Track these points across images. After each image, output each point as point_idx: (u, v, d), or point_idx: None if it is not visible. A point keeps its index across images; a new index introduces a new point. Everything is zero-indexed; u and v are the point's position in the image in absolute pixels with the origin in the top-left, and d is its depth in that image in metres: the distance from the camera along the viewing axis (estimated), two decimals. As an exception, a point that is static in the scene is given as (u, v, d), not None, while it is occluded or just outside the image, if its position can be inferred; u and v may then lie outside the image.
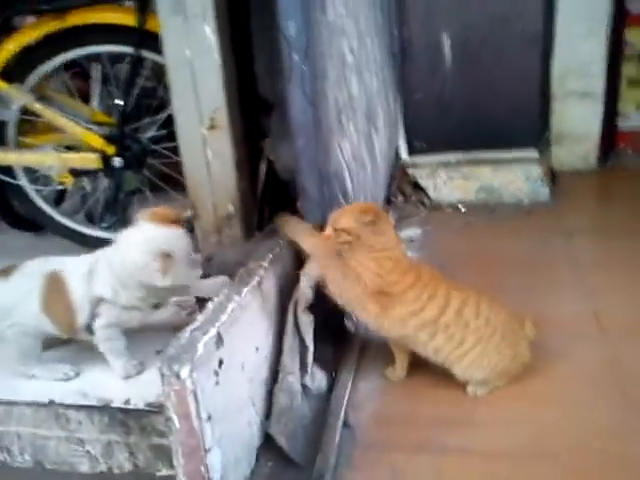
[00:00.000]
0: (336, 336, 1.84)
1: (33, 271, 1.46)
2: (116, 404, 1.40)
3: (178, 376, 1.12)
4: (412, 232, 2.62)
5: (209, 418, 1.17)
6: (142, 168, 2.02)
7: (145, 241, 1.35)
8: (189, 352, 1.15)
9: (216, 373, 1.21)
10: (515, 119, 2.81)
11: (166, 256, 1.33)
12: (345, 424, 1.52)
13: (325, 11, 1.60)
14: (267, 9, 1.44)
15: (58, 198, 2.46)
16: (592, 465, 1.33)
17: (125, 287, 1.39)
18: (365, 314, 1.56)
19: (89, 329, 1.44)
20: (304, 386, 1.59)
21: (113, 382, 1.49)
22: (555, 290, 2.07)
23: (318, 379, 1.64)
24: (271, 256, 1.55)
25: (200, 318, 1.26)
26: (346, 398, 1.60)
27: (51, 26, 1.83)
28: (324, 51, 1.57)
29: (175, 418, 1.15)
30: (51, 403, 1.43)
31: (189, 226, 1.46)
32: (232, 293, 1.36)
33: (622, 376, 1.58)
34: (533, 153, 2.85)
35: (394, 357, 1.67)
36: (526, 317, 1.61)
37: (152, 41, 1.73)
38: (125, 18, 1.78)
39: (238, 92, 1.67)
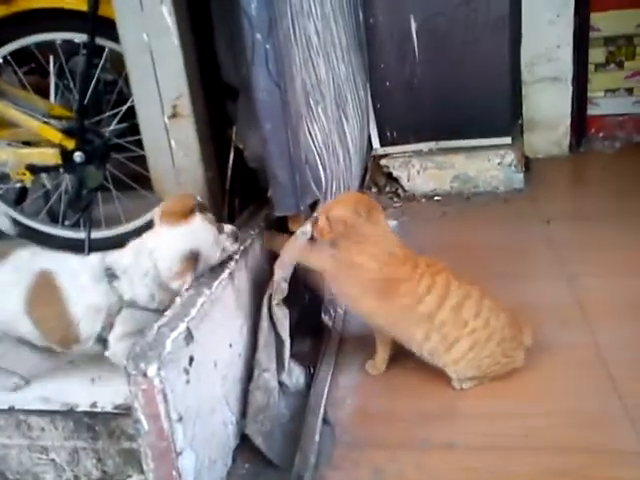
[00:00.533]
0: (313, 331, 1.78)
1: (22, 264, 1.34)
2: (82, 408, 1.32)
3: (145, 374, 1.04)
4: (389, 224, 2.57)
5: (180, 419, 1.10)
6: (105, 163, 1.93)
7: (172, 241, 1.30)
8: (156, 349, 1.07)
9: (186, 371, 1.14)
10: (486, 106, 2.79)
11: (193, 257, 1.29)
12: (325, 421, 1.46)
13: (289, -10, 1.53)
14: (227, -12, 1.36)
15: (19, 197, 2.36)
16: (577, 458, 1.28)
17: (161, 290, 1.31)
18: (364, 308, 1.52)
19: (101, 340, 1.33)
20: (281, 383, 1.53)
21: (77, 386, 1.41)
22: (535, 276, 2.05)
23: (296, 375, 1.58)
24: (242, 248, 1.48)
25: (168, 313, 1.19)
26: (325, 394, 1.54)
27: (-3, 11, 1.72)
28: (288, 31, 1.51)
29: (143, 419, 1.07)
30: (11, 409, 1.34)
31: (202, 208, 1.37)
32: (202, 287, 1.29)
33: (608, 361, 1.55)
34: (506, 140, 2.83)
35: (374, 350, 1.62)
36: (527, 324, 1.56)
37: (107, 28, 1.64)
38: (75, 3, 1.68)
39: (201, 78, 1.59)
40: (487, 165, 2.80)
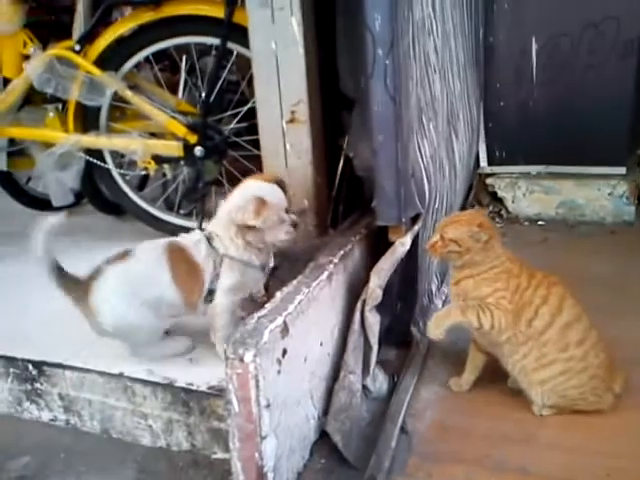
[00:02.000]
0: (401, 340, 1.81)
1: (148, 247, 1.53)
2: (179, 384, 1.43)
3: (242, 360, 1.12)
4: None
5: (268, 405, 1.18)
6: (222, 159, 2.07)
7: (244, 188, 1.52)
8: (254, 337, 1.15)
9: (279, 362, 1.21)
10: (602, 133, 2.68)
11: (260, 201, 1.44)
12: (402, 430, 1.49)
13: (412, 9, 1.57)
14: (353, 6, 1.43)
15: (141, 184, 2.57)
16: None
17: (228, 234, 1.49)
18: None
19: (210, 295, 1.49)
20: (365, 387, 1.57)
21: (178, 364, 1.52)
22: (635, 314, 1.95)
23: (379, 381, 1.62)
24: (342, 252, 1.54)
25: (268, 306, 1.27)
26: (406, 404, 1.57)
27: (145, 18, 1.90)
28: (409, 49, 1.55)
29: (235, 401, 1.16)
30: (120, 375, 1.48)
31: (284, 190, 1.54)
32: (301, 285, 1.36)
33: None
34: (620, 170, 2.70)
35: (460, 368, 1.62)
36: (620, 372, 1.51)
37: (239, 34, 1.77)
38: (215, 10, 1.83)
39: (320, 87, 1.68)
40: (597, 194, 2.69)
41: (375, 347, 1.54)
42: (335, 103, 1.73)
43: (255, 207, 1.44)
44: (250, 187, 1.51)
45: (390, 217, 1.57)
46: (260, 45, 1.63)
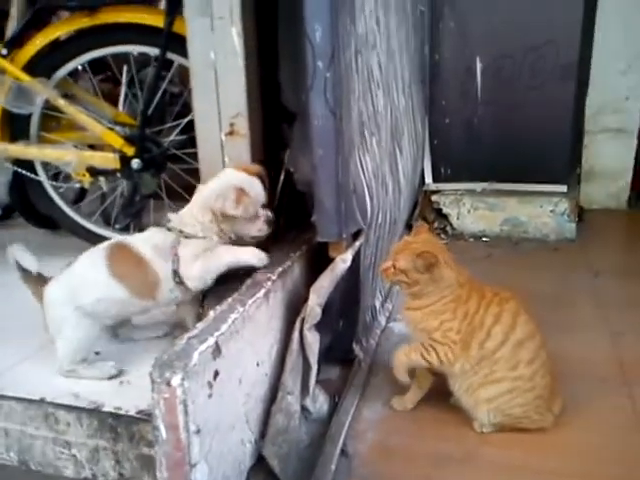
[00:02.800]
0: (343, 359, 1.77)
1: (93, 249, 1.50)
2: (107, 408, 1.35)
3: (169, 384, 1.06)
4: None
5: (198, 431, 1.11)
6: (160, 172, 2.00)
7: (225, 176, 1.52)
8: (182, 360, 1.09)
9: (210, 385, 1.15)
10: (544, 152, 2.75)
11: (241, 191, 1.44)
12: (343, 452, 1.44)
13: (355, 22, 1.56)
14: (295, 16, 1.40)
15: (77, 198, 2.46)
16: None
17: (201, 219, 1.47)
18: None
19: (176, 275, 1.45)
20: (304, 408, 1.52)
21: (107, 386, 1.44)
22: (578, 330, 1.98)
23: (320, 402, 1.57)
24: (281, 269, 1.49)
25: (199, 326, 1.21)
26: (347, 425, 1.53)
27: (81, 23, 1.83)
28: (351, 62, 1.53)
29: (162, 428, 1.09)
30: (42, 401, 1.38)
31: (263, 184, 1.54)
32: (236, 303, 1.30)
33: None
34: (561, 188, 2.77)
35: (404, 387, 1.59)
36: (559, 394, 1.51)
37: (179, 44, 1.71)
38: (154, 19, 1.77)
39: (260, 99, 1.64)
40: (539, 211, 2.75)
41: (314, 367, 1.49)
42: (276, 116, 1.69)
43: (236, 196, 1.44)
44: (232, 176, 1.51)
45: (330, 233, 1.53)
46: (199, 55, 1.58)
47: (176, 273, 1.45)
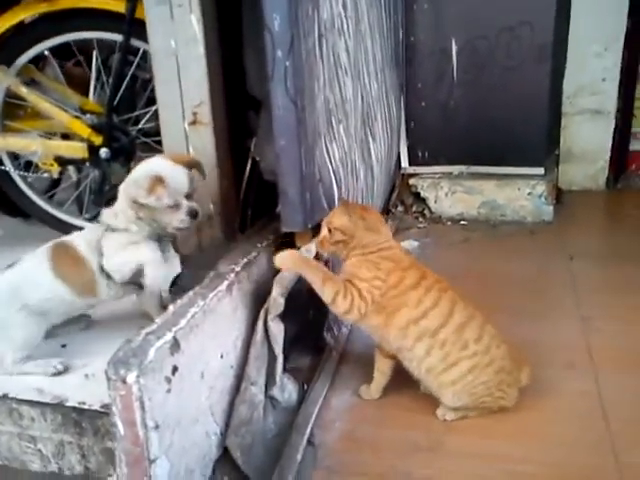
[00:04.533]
0: (314, 347, 1.77)
1: (36, 250, 1.49)
2: (71, 403, 1.34)
3: (124, 381, 1.05)
4: (409, 244, 2.55)
5: (156, 427, 1.11)
6: (130, 160, 1.97)
7: (146, 164, 1.47)
8: (138, 356, 1.08)
9: (168, 380, 1.14)
10: (522, 134, 2.74)
11: (157, 179, 1.40)
12: (309, 442, 1.45)
13: (318, 8, 1.53)
14: (255, 5, 1.37)
15: (51, 187, 2.43)
16: None
17: (121, 207, 1.45)
18: (371, 327, 1.49)
19: (102, 270, 1.45)
20: (272, 398, 1.52)
21: (72, 380, 1.43)
22: (549, 314, 1.99)
23: (288, 391, 1.58)
24: (245, 260, 1.49)
25: (158, 321, 1.20)
26: (314, 415, 1.53)
27: (40, 8, 1.78)
28: (314, 49, 1.51)
29: (120, 424, 1.09)
30: (4, 397, 1.38)
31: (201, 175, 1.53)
32: (197, 297, 1.30)
33: (609, 415, 1.49)
34: (539, 170, 2.77)
35: (372, 375, 1.60)
36: (526, 363, 1.52)
37: (143, 29, 1.67)
38: (116, 5, 1.73)
39: (224, 88, 1.61)
40: (517, 194, 2.75)
41: (280, 357, 1.49)
42: (243, 104, 1.67)
43: (149, 185, 1.40)
44: (152, 164, 1.47)
45: (295, 223, 1.53)
46: (159, 43, 1.56)
47: (102, 267, 1.45)
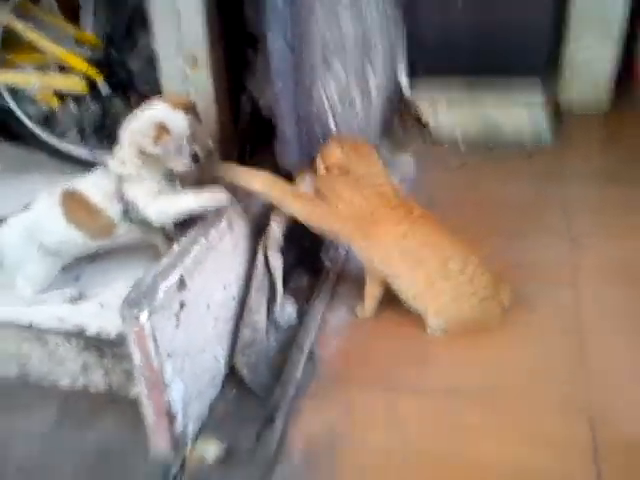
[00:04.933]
0: (313, 269, 1.88)
1: (46, 194, 1.55)
2: (90, 332, 1.48)
3: (137, 319, 1.18)
4: (408, 165, 2.60)
5: (169, 356, 1.25)
6: (130, 95, 2.00)
7: (148, 110, 1.48)
8: (149, 297, 1.21)
9: (177, 316, 1.28)
10: (523, 45, 2.70)
11: (162, 128, 1.43)
12: (310, 357, 1.60)
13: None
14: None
15: (47, 118, 2.43)
16: (543, 405, 1.43)
17: (128, 155, 1.48)
18: (353, 244, 1.62)
19: (126, 214, 1.52)
20: (274, 320, 1.65)
21: (88, 309, 1.56)
22: (541, 236, 2.09)
23: (288, 312, 1.70)
24: (245, 196, 1.57)
25: (164, 261, 1.31)
26: (314, 332, 1.67)
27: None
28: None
29: (136, 356, 1.23)
30: (30, 326, 1.52)
31: (196, 117, 1.52)
32: (198, 235, 1.40)
33: (586, 329, 1.64)
34: (538, 82, 2.74)
35: (366, 293, 1.73)
36: (507, 286, 1.66)
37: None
38: None
39: (222, 24, 1.62)
40: (516, 113, 2.74)
41: (280, 286, 1.62)
42: (241, 40, 1.68)
43: (155, 134, 1.42)
44: (154, 111, 1.48)
45: (292, 162, 1.60)
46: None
47: (127, 214, 1.52)
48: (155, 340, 1.21)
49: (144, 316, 1.18)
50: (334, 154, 1.55)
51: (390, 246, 1.56)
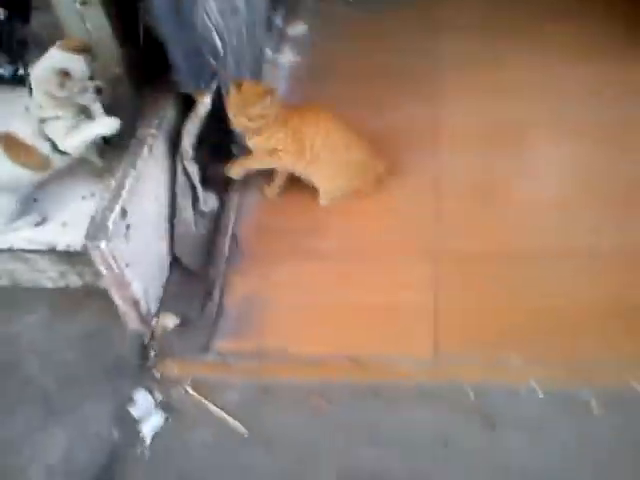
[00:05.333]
0: (226, 159, 2.27)
1: None
2: (60, 248, 1.88)
3: (98, 247, 1.63)
4: (300, 29, 2.84)
5: (127, 265, 1.72)
6: (28, 18, 2.14)
7: (47, 60, 1.69)
8: (102, 230, 1.64)
9: (126, 236, 1.72)
10: None
11: (63, 73, 1.65)
12: (233, 238, 2.09)
13: None
14: None
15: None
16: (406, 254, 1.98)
17: (42, 101, 1.70)
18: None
19: (55, 148, 1.76)
20: (199, 211, 2.09)
21: (53, 229, 1.93)
22: (408, 104, 2.37)
23: (210, 203, 2.13)
24: (157, 121, 1.91)
25: (106, 196, 1.72)
26: (233, 216, 2.14)
27: None
28: None
29: (102, 269, 1.70)
30: (10, 249, 1.91)
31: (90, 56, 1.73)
32: (128, 167, 1.78)
33: (442, 191, 2.10)
34: None
35: (272, 177, 2.17)
36: (380, 155, 2.08)
37: None
38: None
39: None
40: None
41: (199, 185, 2.03)
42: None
43: (58, 81, 1.64)
44: (54, 59, 1.68)
45: (187, 84, 1.90)
46: None
47: (56, 148, 1.77)
48: (114, 257, 1.67)
49: (103, 244, 1.62)
50: (255, 107, 1.86)
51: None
